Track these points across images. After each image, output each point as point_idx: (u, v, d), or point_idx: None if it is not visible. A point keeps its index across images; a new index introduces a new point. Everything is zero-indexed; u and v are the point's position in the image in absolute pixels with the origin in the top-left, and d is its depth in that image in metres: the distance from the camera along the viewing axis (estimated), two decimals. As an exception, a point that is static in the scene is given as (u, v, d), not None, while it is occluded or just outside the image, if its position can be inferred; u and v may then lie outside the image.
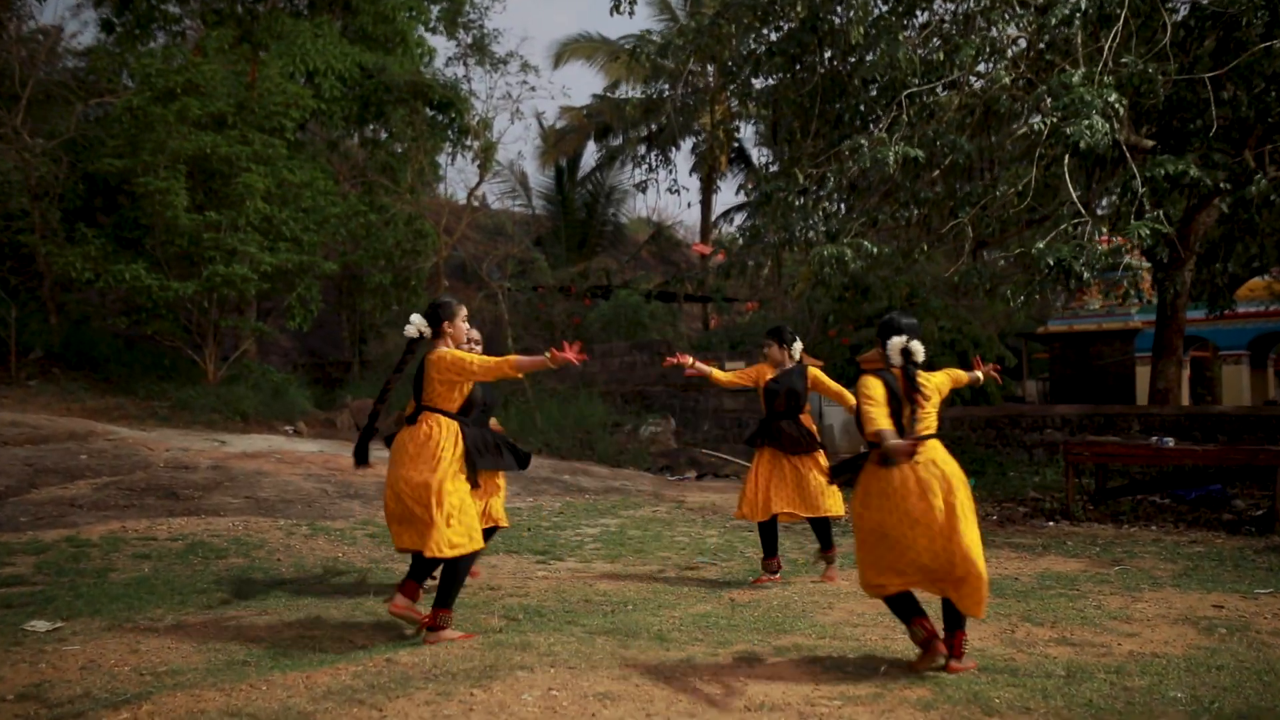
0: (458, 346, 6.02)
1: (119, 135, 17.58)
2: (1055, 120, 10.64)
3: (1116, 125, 11.31)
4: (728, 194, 79.61)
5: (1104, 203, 14.01)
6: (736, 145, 31.60)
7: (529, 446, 18.66)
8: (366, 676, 4.81)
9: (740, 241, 15.45)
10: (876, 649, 5.57)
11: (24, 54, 19.81)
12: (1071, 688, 4.79)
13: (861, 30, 12.19)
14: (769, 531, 7.88)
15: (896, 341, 5.32)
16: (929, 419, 5.38)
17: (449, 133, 22.66)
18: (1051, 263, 10.44)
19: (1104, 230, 10.93)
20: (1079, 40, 11.83)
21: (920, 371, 5.38)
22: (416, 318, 6.00)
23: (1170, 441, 11.80)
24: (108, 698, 4.53)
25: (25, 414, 13.80)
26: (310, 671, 4.90)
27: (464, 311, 6.11)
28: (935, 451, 5.29)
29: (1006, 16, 11.84)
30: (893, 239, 16.14)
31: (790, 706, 4.47)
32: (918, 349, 5.31)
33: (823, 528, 7.97)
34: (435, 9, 24.57)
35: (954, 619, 5.18)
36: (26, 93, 18.19)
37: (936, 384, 5.64)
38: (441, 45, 35.53)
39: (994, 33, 11.99)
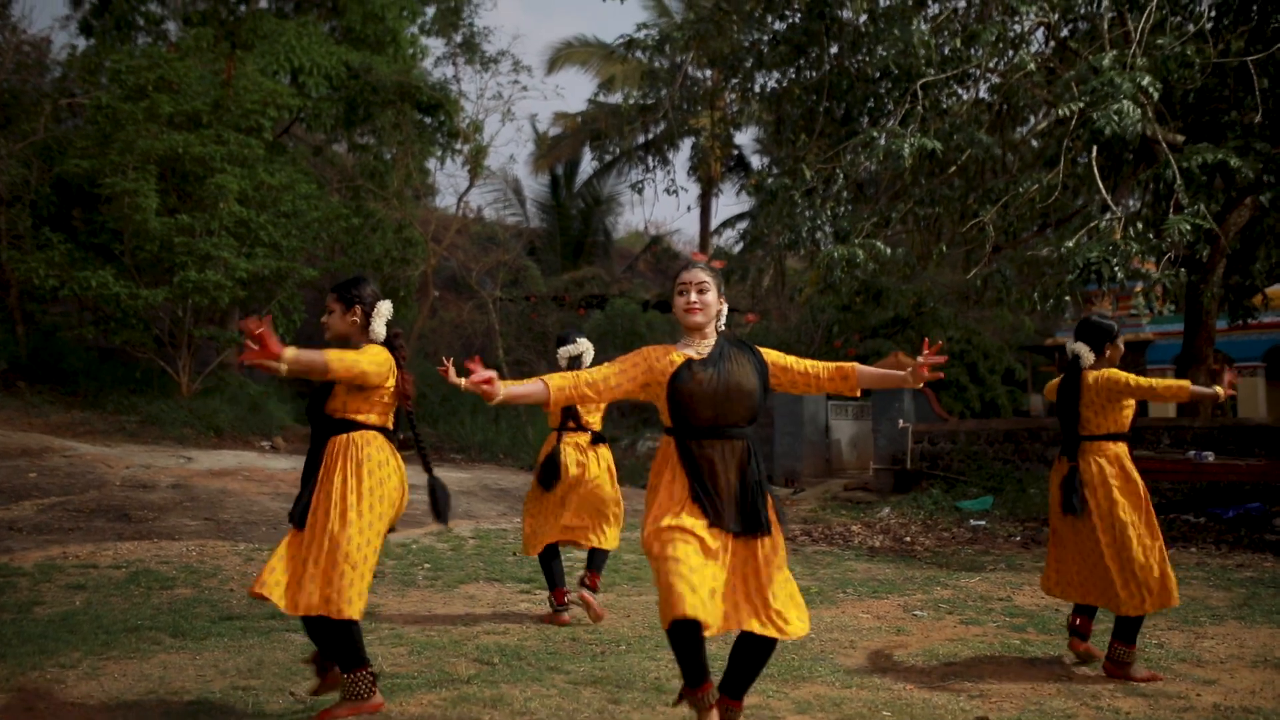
0: None
1: (89, 136, 16.75)
2: (1082, 105, 9.82)
3: (1149, 114, 10.52)
4: (726, 201, 79.03)
5: (1118, 208, 13.22)
6: (736, 153, 30.81)
7: (520, 463, 17.81)
8: (298, 745, 3.93)
9: (741, 246, 14.67)
10: (915, 703, 4.68)
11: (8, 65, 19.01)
12: (1161, 757, 3.92)
13: (864, 5, 11.37)
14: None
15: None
16: None
17: (438, 136, 21.84)
18: (1082, 264, 9.61)
19: (1140, 227, 10.08)
20: (1105, 25, 11.04)
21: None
22: None
23: (1210, 456, 10.96)
24: (-29, 777, 3.66)
25: (-20, 429, 12.93)
26: (231, 738, 4.02)
27: None
28: None
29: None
30: (899, 244, 15.32)
31: (820, 787, 3.60)
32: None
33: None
34: (430, 10, 23.81)
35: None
36: (-8, 93, 17.40)
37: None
38: (431, 46, 34.42)
39: (1018, 18, 11.20)
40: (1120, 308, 25.32)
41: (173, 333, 16.98)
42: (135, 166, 15.48)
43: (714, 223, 33.02)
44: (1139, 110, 9.53)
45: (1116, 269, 9.54)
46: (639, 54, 14.93)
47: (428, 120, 21.50)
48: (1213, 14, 11.76)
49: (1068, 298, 10.36)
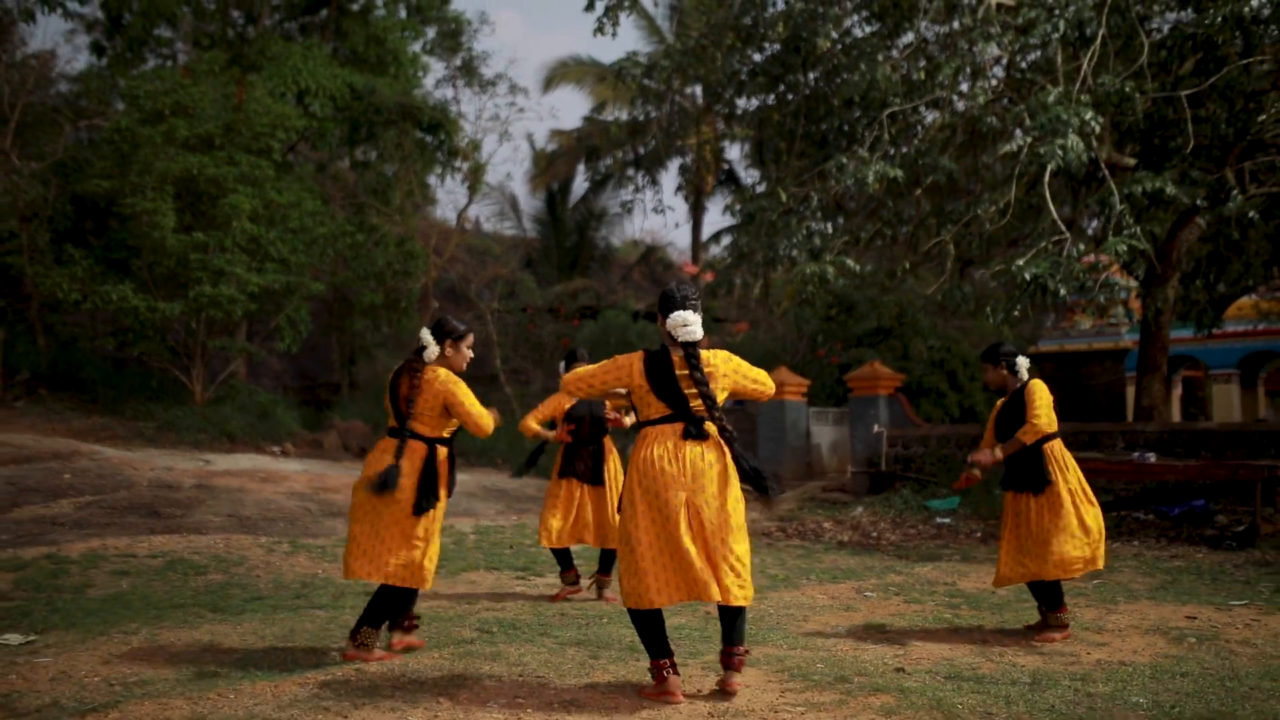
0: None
1: (108, 157, 17.65)
2: (1031, 140, 10.74)
3: (1095, 144, 11.41)
4: (717, 214, 79.99)
5: (1093, 223, 14.11)
6: (726, 167, 31.76)
7: (516, 466, 18.69)
8: (334, 685, 4.83)
9: (727, 261, 15.59)
10: (846, 659, 5.59)
11: (16, 79, 19.86)
12: (1035, 694, 4.82)
13: (830, 41, 12.30)
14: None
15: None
16: None
17: (438, 154, 22.78)
18: (1028, 278, 10.51)
19: (1082, 248, 10.99)
20: (1059, 60, 11.95)
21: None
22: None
23: (1152, 457, 11.85)
24: (75, 706, 4.55)
25: (10, 434, 13.80)
26: (279, 681, 4.92)
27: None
28: None
29: (988, 35, 11.95)
30: (880, 258, 16.22)
31: (754, 712, 4.49)
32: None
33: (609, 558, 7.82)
34: (431, 31, 24.76)
35: None
36: (15, 115, 18.25)
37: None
38: (431, 66, 35.63)
39: (976, 51, 12.09)
40: (1100, 317, 26.28)
41: (186, 343, 17.88)
42: (153, 187, 16.39)
43: (707, 232, 34.00)
44: (1082, 143, 10.44)
45: (1060, 285, 10.44)
46: (630, 75, 15.80)
47: (429, 139, 22.44)
48: (1162, 51, 12.66)
49: (1016, 313, 11.24)
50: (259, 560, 9.00)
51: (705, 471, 4.72)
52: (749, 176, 30.44)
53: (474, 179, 22.56)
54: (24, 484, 11.10)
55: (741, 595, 4.66)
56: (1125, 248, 10.49)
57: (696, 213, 32.48)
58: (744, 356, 7.42)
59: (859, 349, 21.87)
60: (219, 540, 9.66)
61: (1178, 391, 29.12)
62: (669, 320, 4.85)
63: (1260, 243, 15.41)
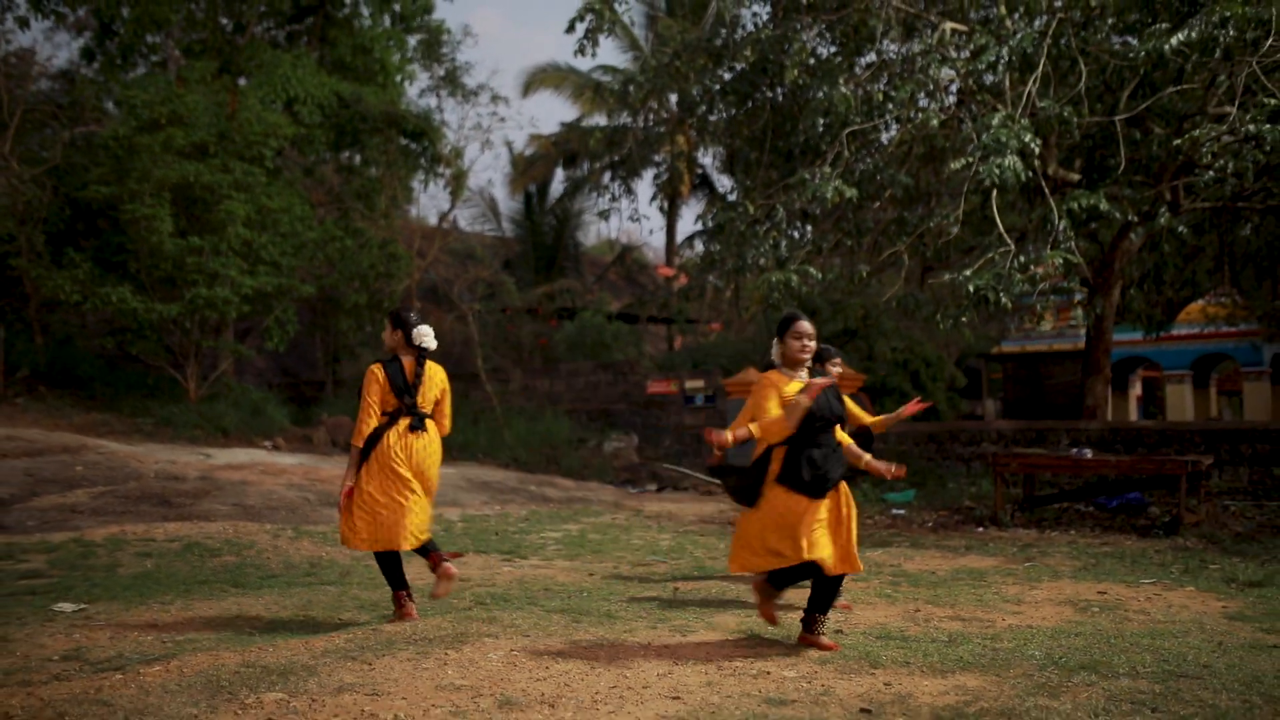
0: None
1: (105, 163, 18.37)
2: (973, 160, 11.66)
3: (1037, 163, 12.36)
4: (692, 218, 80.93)
5: (1050, 233, 15.08)
6: (700, 172, 32.68)
7: (497, 461, 19.54)
8: (357, 640, 5.69)
9: (699, 266, 16.50)
10: (794, 624, 6.47)
11: (3, 78, 20.44)
12: (949, 649, 5.72)
13: (796, 72, 13.19)
14: None
15: None
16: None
17: (422, 160, 23.59)
18: (972, 290, 11.43)
19: (1023, 260, 11.91)
20: (1007, 84, 12.88)
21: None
22: None
23: (1088, 453, 12.80)
24: (139, 658, 5.38)
25: (17, 429, 14.55)
26: (309, 638, 5.77)
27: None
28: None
29: (943, 58, 12.85)
30: (846, 262, 17.11)
31: (711, 660, 5.39)
32: None
33: None
34: (413, 40, 25.55)
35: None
36: (15, 120, 18.93)
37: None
38: (417, 75, 36.54)
39: (931, 73, 13.00)
40: (1061, 319, 27.34)
41: (181, 343, 18.64)
42: (151, 194, 17.15)
43: (682, 234, 34.88)
44: (1021, 162, 11.37)
45: (1003, 296, 11.36)
46: (609, 89, 16.66)
47: (413, 145, 23.25)
48: (1105, 74, 13.60)
49: (964, 320, 12.15)
50: (267, 544, 9.82)
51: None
52: (721, 185, 31.42)
53: (456, 185, 23.39)
54: (40, 475, 11.88)
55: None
56: (1062, 260, 11.43)
57: (671, 216, 33.41)
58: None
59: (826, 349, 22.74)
60: (228, 526, 10.48)
61: (1136, 391, 30.28)
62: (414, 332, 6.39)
63: (1204, 252, 16.45)
